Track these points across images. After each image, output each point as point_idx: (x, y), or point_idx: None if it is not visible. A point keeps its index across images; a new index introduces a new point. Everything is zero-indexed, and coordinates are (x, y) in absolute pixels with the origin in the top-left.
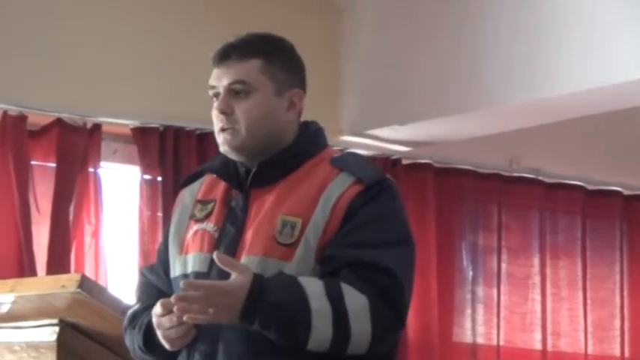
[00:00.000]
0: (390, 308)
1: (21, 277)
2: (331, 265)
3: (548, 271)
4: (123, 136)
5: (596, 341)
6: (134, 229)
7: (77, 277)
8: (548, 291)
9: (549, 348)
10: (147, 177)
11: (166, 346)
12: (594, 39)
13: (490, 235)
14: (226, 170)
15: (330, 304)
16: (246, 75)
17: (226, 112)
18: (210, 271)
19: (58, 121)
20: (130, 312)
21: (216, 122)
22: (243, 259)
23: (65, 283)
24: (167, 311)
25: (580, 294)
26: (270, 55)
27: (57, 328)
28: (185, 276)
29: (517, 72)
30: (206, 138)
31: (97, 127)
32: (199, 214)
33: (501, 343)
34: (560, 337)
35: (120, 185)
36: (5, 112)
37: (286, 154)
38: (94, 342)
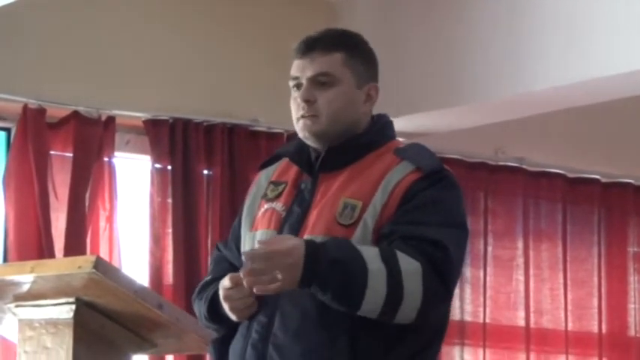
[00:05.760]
0: (439, 278)
1: (40, 259)
2: (387, 241)
3: (531, 253)
4: (135, 127)
5: (575, 318)
6: (145, 215)
7: (92, 258)
8: (531, 272)
9: (532, 325)
10: (157, 166)
11: (232, 317)
12: (574, 37)
13: (477, 220)
14: (299, 155)
15: (385, 265)
16: (330, 67)
17: (309, 101)
18: None
19: (75, 114)
20: (201, 283)
21: (297, 110)
22: (306, 237)
23: (81, 264)
24: (235, 284)
25: (561, 275)
26: (351, 49)
27: (74, 306)
28: None
29: (503, 68)
30: (212, 130)
31: (111, 119)
32: (270, 194)
33: (487, 320)
34: (542, 314)
35: (132, 174)
36: (26, 106)
37: (354, 143)
38: (109, 319)
